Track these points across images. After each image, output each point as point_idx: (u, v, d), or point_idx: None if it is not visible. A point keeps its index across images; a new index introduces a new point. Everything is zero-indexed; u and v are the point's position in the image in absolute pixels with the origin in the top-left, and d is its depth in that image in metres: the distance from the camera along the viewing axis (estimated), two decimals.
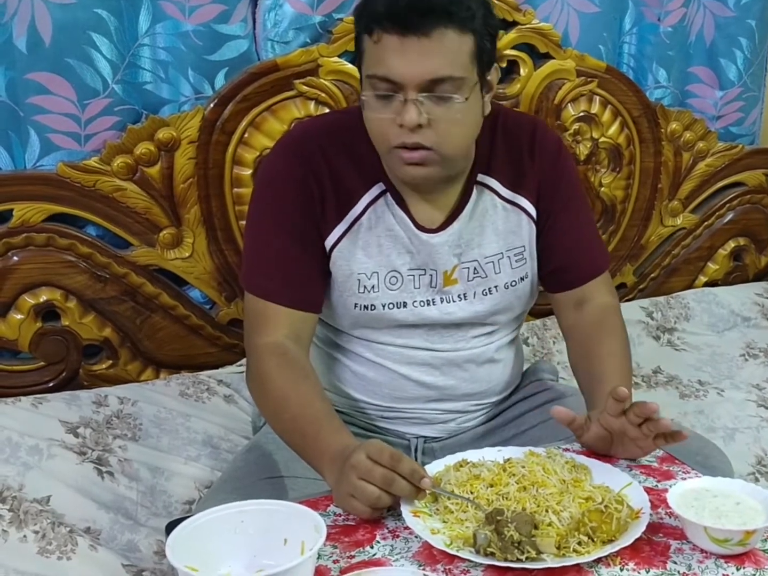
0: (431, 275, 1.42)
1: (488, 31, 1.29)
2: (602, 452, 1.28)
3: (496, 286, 1.45)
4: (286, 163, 1.40)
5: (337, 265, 1.41)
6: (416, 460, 1.49)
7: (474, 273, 1.43)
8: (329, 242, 1.40)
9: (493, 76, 1.34)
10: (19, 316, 1.78)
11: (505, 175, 1.43)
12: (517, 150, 1.45)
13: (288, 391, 1.31)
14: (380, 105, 1.27)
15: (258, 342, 1.38)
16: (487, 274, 1.44)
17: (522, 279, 1.47)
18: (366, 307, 1.42)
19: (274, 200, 1.40)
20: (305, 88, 1.90)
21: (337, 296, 1.43)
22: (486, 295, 1.45)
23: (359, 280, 1.41)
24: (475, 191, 1.43)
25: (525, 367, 1.69)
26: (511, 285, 1.46)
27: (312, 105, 1.91)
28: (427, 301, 1.43)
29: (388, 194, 1.40)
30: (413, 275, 1.42)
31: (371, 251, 1.40)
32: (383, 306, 1.42)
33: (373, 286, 1.41)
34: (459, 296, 1.44)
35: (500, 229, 1.44)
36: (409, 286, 1.42)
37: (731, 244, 2.59)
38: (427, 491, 1.13)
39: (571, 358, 1.51)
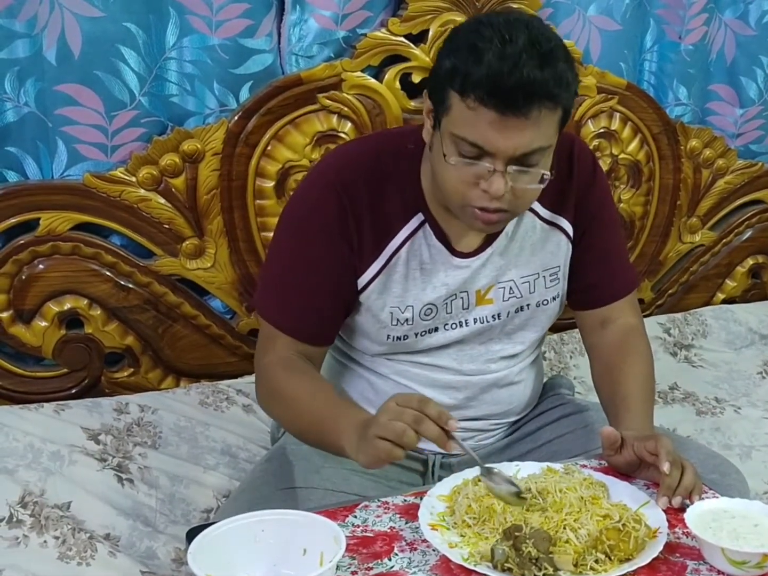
0: (462, 297, 1.41)
1: (574, 98, 1.27)
2: (625, 473, 1.28)
3: (528, 304, 1.45)
4: (322, 194, 1.36)
5: (370, 299, 1.39)
6: (433, 475, 1.50)
7: (510, 293, 1.43)
8: (364, 279, 1.38)
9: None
10: (43, 323, 1.80)
11: (545, 196, 1.39)
12: (555, 168, 1.39)
13: (296, 389, 1.32)
14: (463, 166, 1.24)
15: (265, 361, 1.38)
16: (522, 294, 1.44)
17: (554, 298, 1.47)
18: (399, 338, 1.42)
19: (304, 233, 1.37)
20: (328, 101, 1.92)
21: (369, 327, 1.41)
22: (518, 312, 1.45)
23: (392, 313, 1.39)
24: None
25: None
26: (542, 303, 1.46)
27: (335, 119, 1.93)
28: (459, 322, 1.43)
29: (427, 225, 1.38)
30: (447, 303, 1.41)
31: (407, 285, 1.39)
32: (416, 335, 1.42)
33: (407, 319, 1.40)
34: (493, 316, 1.43)
35: (538, 249, 1.44)
36: (442, 314, 1.41)
37: (749, 262, 2.59)
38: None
39: (594, 376, 1.51)
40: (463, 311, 1.42)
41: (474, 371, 1.46)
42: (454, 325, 1.43)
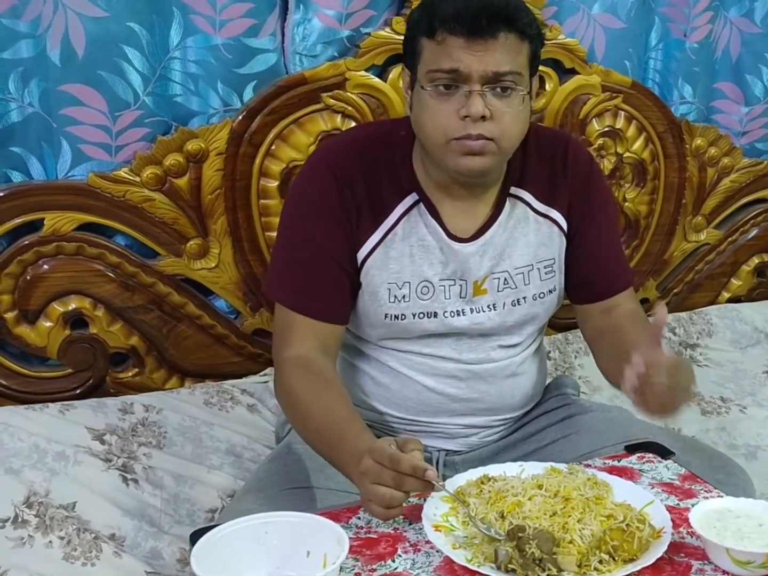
0: (461, 285, 1.44)
1: (540, 39, 1.37)
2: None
3: (524, 297, 1.47)
4: (321, 176, 1.42)
5: (369, 275, 1.42)
6: (437, 472, 1.50)
7: (504, 284, 1.45)
8: (362, 253, 1.42)
9: (534, 82, 1.39)
10: (48, 324, 1.81)
11: (538, 189, 1.46)
12: (549, 164, 1.47)
13: (311, 402, 1.33)
14: (442, 98, 1.31)
15: (283, 356, 1.40)
16: (517, 285, 1.46)
17: (550, 291, 1.49)
18: (396, 317, 1.43)
19: (307, 213, 1.42)
20: (332, 101, 1.92)
21: (368, 307, 1.44)
22: (515, 306, 1.46)
23: (390, 289, 1.42)
24: (508, 203, 1.45)
25: (546, 381, 1.70)
26: (539, 296, 1.48)
27: (339, 118, 1.93)
28: (458, 311, 1.44)
29: (422, 204, 1.42)
30: (444, 285, 1.43)
31: (404, 261, 1.42)
32: (414, 315, 1.43)
33: (404, 296, 1.42)
34: (489, 306, 1.45)
35: (532, 240, 1.46)
36: (440, 297, 1.43)
37: (755, 260, 2.58)
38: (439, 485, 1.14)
39: (602, 356, 1.49)
40: (461, 299, 1.44)
41: (474, 360, 1.48)
42: (453, 313, 1.44)
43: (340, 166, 1.41)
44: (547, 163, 1.47)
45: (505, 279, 1.45)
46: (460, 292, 1.44)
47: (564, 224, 1.48)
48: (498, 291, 1.45)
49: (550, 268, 1.48)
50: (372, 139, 1.46)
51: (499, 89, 1.30)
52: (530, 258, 1.46)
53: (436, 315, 1.44)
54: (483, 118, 1.29)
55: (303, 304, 1.41)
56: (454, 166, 1.35)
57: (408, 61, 1.38)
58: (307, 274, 1.41)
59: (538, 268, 1.47)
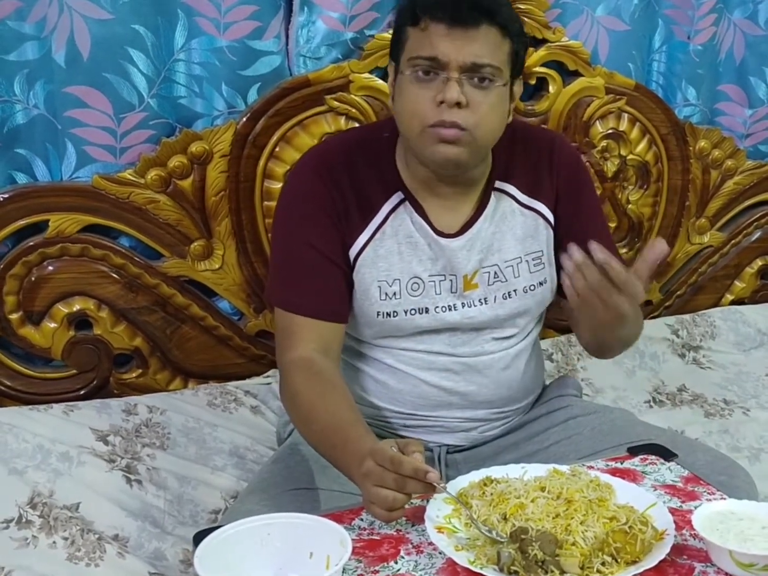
0: (451, 280, 1.46)
1: (522, 41, 1.41)
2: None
3: (515, 290, 1.48)
4: (308, 178, 1.45)
5: (360, 274, 1.44)
6: (439, 471, 1.51)
7: (494, 277, 1.47)
8: (353, 251, 1.44)
9: (517, 87, 1.42)
10: (52, 325, 1.81)
11: (523, 182, 1.48)
12: (535, 160, 1.50)
13: (315, 403, 1.34)
14: (420, 84, 1.34)
15: (287, 358, 1.41)
16: (507, 278, 1.47)
17: (541, 284, 1.50)
18: (388, 314, 1.45)
19: (298, 215, 1.45)
20: (336, 103, 1.92)
21: (360, 306, 1.46)
22: (506, 299, 1.48)
23: (380, 287, 1.44)
24: (493, 197, 1.47)
25: (548, 382, 1.70)
26: (529, 289, 1.49)
27: (342, 120, 1.93)
28: (449, 306, 1.46)
29: (407, 202, 1.45)
30: (434, 281, 1.45)
31: (392, 259, 1.44)
32: (405, 312, 1.45)
33: (395, 293, 1.44)
34: (480, 300, 1.47)
35: (519, 233, 1.48)
36: (430, 292, 1.45)
37: (758, 263, 2.57)
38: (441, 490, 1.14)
39: (578, 323, 1.49)
40: (451, 294, 1.46)
41: (469, 353, 1.49)
42: (444, 308, 1.46)
43: (327, 168, 1.44)
44: (532, 156, 1.50)
45: (495, 272, 1.47)
46: (450, 287, 1.46)
47: (550, 217, 1.50)
48: (489, 285, 1.47)
49: (539, 260, 1.50)
50: (356, 140, 1.51)
51: (476, 79, 1.33)
52: (519, 251, 1.48)
53: (427, 311, 1.45)
54: (459, 105, 1.31)
55: (302, 305, 1.42)
56: (430, 154, 1.37)
57: (393, 53, 1.41)
58: (303, 275, 1.43)
59: (527, 261, 1.49)
